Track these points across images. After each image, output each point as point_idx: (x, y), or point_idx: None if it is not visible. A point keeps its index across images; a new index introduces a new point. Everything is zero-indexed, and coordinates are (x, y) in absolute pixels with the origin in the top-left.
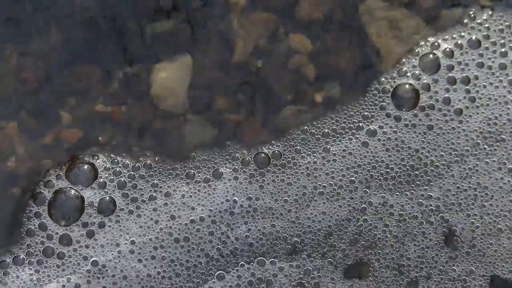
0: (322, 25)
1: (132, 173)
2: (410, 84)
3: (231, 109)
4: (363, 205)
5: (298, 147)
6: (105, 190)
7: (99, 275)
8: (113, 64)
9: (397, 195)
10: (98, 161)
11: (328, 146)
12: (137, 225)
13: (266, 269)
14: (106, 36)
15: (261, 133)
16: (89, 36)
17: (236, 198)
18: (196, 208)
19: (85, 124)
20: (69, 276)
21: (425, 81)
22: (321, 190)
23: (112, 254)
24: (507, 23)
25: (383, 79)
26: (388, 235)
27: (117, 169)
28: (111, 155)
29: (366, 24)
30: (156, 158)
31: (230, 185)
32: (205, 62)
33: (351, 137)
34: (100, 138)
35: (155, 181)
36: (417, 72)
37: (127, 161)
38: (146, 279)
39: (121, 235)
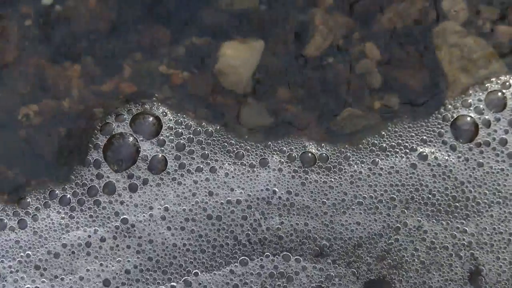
0: (397, 38)
1: (192, 136)
2: (471, 117)
3: (291, 101)
4: (398, 224)
5: (347, 154)
6: (162, 148)
7: (126, 233)
8: (183, 30)
9: (433, 222)
10: (165, 117)
11: (377, 159)
12: (175, 193)
13: (289, 265)
14: (182, 2)
15: (314, 131)
16: None
17: (276, 189)
18: (235, 190)
19: (143, 81)
20: (96, 228)
21: (487, 117)
22: (360, 200)
23: (144, 216)
24: None
25: (446, 106)
26: (416, 260)
27: (179, 130)
28: (178, 114)
29: (438, 48)
30: (211, 129)
31: (273, 176)
32: (277, 49)
33: (402, 155)
34: (156, 95)
35: (206, 152)
36: (481, 106)
37: (190, 123)
38: (171, 248)
39: (156, 199)
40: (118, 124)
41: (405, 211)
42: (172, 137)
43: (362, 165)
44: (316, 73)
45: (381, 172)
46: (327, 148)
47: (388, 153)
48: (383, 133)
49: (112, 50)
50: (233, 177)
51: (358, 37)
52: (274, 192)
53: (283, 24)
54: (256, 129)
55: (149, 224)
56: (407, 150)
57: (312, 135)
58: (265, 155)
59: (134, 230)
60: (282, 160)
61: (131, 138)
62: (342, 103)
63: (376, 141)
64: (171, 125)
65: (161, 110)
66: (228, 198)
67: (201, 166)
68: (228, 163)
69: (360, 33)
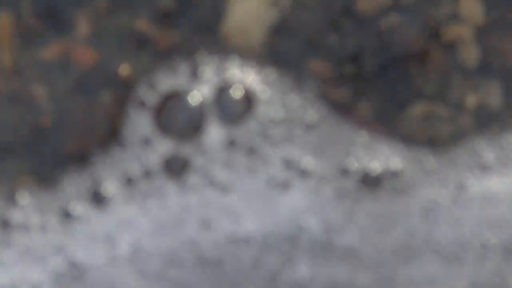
0: None
1: None
2: None
3: (333, 81)
4: (493, 281)
5: (418, 169)
6: None
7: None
8: None
9: None
10: None
11: (465, 182)
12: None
13: None
14: None
15: (372, 132)
16: None
17: (306, 222)
18: (244, 222)
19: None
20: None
21: None
22: (436, 244)
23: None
24: None
25: None
26: None
27: None
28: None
29: None
30: None
31: (302, 202)
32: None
33: (508, 179)
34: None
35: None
36: None
37: None
38: None
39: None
40: None
41: (507, 260)
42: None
43: (443, 188)
44: (374, 41)
45: (471, 200)
46: (391, 157)
47: (482, 172)
48: (477, 141)
49: None
50: (244, 199)
51: None
52: (302, 227)
53: None
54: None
55: (110, 268)
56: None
57: (366, 138)
58: (289, 168)
59: (86, 275)
60: (314, 176)
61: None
62: (414, 94)
63: (466, 155)
64: None
65: None
66: (232, 234)
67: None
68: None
69: None
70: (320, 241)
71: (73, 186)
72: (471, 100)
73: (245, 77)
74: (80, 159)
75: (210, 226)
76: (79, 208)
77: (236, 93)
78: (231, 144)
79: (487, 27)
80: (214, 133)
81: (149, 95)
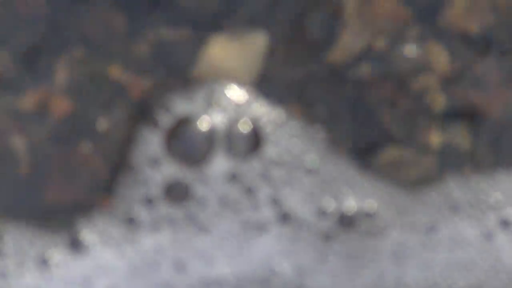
0: (472, 41)
1: None
2: None
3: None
4: None
5: (391, 210)
6: None
7: None
8: (148, 19)
9: None
10: None
11: (435, 223)
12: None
13: None
14: None
15: (340, 175)
16: None
17: (278, 265)
18: (216, 265)
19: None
20: None
21: None
22: (406, 286)
23: None
24: None
25: None
26: None
27: None
28: None
29: None
30: None
31: (274, 244)
32: (284, 49)
33: (472, 221)
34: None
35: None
36: None
37: None
38: None
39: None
40: None
41: None
42: None
43: (412, 232)
44: (346, 89)
45: (440, 245)
46: (363, 200)
47: (452, 215)
48: (446, 183)
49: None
50: (215, 244)
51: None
52: (275, 271)
53: (289, 13)
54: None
55: None
56: (479, 213)
57: (333, 181)
58: (261, 209)
59: None
60: (289, 218)
61: None
62: (384, 138)
63: (436, 197)
64: None
65: None
66: (205, 275)
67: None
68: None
69: (420, 31)
70: (292, 284)
71: (51, 233)
72: (437, 142)
73: (256, 114)
74: (60, 208)
75: (183, 269)
76: (57, 254)
77: (245, 128)
78: (232, 178)
79: (453, 76)
80: (219, 164)
81: (164, 118)
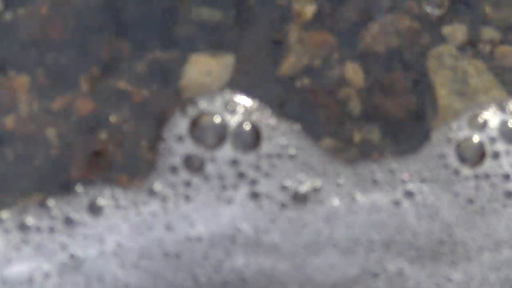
0: (383, 60)
1: None
2: (468, 147)
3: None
4: (376, 269)
5: (324, 188)
6: None
7: (75, 270)
8: (145, 43)
9: (416, 268)
10: None
11: (357, 196)
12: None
13: None
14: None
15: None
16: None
17: (242, 227)
18: (196, 226)
19: (101, 98)
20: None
21: (496, 149)
22: (336, 241)
23: (94, 251)
24: None
25: (436, 135)
26: None
27: None
28: None
29: (432, 71)
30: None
31: (240, 211)
32: (248, 67)
33: (384, 192)
34: (110, 119)
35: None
36: (479, 138)
37: None
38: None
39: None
40: None
41: (385, 255)
42: None
43: (341, 202)
44: (293, 96)
45: (361, 210)
46: (305, 179)
47: (368, 188)
48: (365, 165)
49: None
50: (194, 210)
51: (339, 58)
52: (239, 229)
53: (256, 39)
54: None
55: (100, 260)
56: (389, 187)
57: (289, 167)
58: (230, 188)
59: (83, 265)
60: (250, 193)
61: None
62: (321, 133)
63: (356, 175)
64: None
65: None
66: (189, 234)
67: (155, 197)
68: (188, 197)
69: (341, 54)
70: (251, 239)
71: (73, 200)
72: (358, 137)
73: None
74: (81, 182)
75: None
76: (79, 215)
77: (247, 127)
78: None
79: (368, 87)
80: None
81: (192, 111)
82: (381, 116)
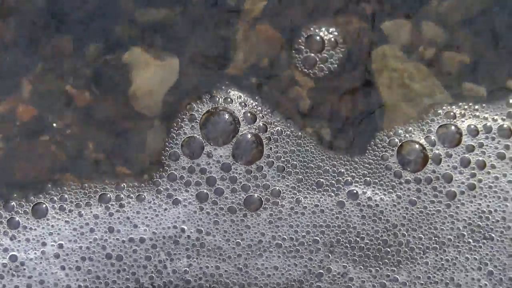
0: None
1: None
2: (414, 150)
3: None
4: (320, 270)
5: (267, 187)
6: None
7: (16, 272)
8: (90, 45)
9: (360, 268)
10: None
11: (300, 197)
12: (71, 228)
13: None
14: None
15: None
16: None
17: (185, 227)
18: (139, 227)
19: (44, 102)
20: None
21: (437, 151)
22: (279, 242)
23: (35, 253)
24: None
25: (383, 138)
26: None
27: None
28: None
29: (376, 72)
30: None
31: (183, 212)
32: (193, 69)
33: (328, 192)
34: (54, 125)
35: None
36: (423, 141)
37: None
38: None
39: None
40: None
41: (329, 255)
42: None
43: (283, 202)
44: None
45: (303, 211)
46: (247, 177)
47: (312, 189)
48: (308, 165)
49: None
50: (137, 212)
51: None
52: (183, 230)
53: (202, 38)
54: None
55: (41, 263)
56: (333, 188)
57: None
58: (173, 189)
59: (24, 269)
60: (193, 194)
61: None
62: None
63: (300, 175)
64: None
65: None
66: (131, 236)
67: (97, 200)
68: (131, 197)
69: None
70: (194, 241)
71: (18, 201)
72: (310, 133)
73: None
74: (25, 182)
75: (113, 231)
76: (21, 217)
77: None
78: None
79: (316, 87)
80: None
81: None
82: (329, 116)
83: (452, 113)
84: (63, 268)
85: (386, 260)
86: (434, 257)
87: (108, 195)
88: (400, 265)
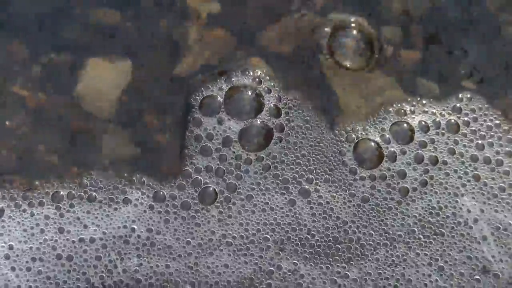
0: (284, 57)
1: None
2: (370, 148)
3: (159, 129)
4: (270, 268)
5: (217, 184)
6: None
7: None
8: (41, 46)
9: (311, 265)
10: None
11: (252, 194)
12: (21, 229)
13: None
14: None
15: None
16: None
17: (136, 227)
18: (89, 227)
19: None
20: None
21: (392, 149)
22: (229, 240)
23: None
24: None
25: (338, 135)
26: None
27: None
28: None
29: (329, 70)
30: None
31: (133, 212)
32: (145, 70)
33: (281, 190)
34: (7, 123)
35: (56, 185)
36: (377, 137)
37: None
38: None
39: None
40: None
41: (280, 253)
42: None
43: (234, 200)
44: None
45: (254, 209)
46: (197, 177)
47: (263, 187)
48: (261, 161)
49: None
50: (87, 212)
51: (240, 56)
52: (133, 229)
53: (153, 41)
54: (121, 159)
55: None
56: (285, 185)
57: (179, 167)
58: (125, 189)
59: None
60: (144, 195)
61: None
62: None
63: (251, 173)
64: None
65: None
66: (81, 236)
67: (48, 200)
68: (81, 198)
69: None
70: (144, 240)
71: None
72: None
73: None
74: None
75: (63, 232)
76: None
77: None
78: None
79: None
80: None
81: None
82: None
83: (405, 110)
84: (13, 269)
85: (337, 257)
86: (385, 253)
87: (61, 193)
88: (351, 262)
